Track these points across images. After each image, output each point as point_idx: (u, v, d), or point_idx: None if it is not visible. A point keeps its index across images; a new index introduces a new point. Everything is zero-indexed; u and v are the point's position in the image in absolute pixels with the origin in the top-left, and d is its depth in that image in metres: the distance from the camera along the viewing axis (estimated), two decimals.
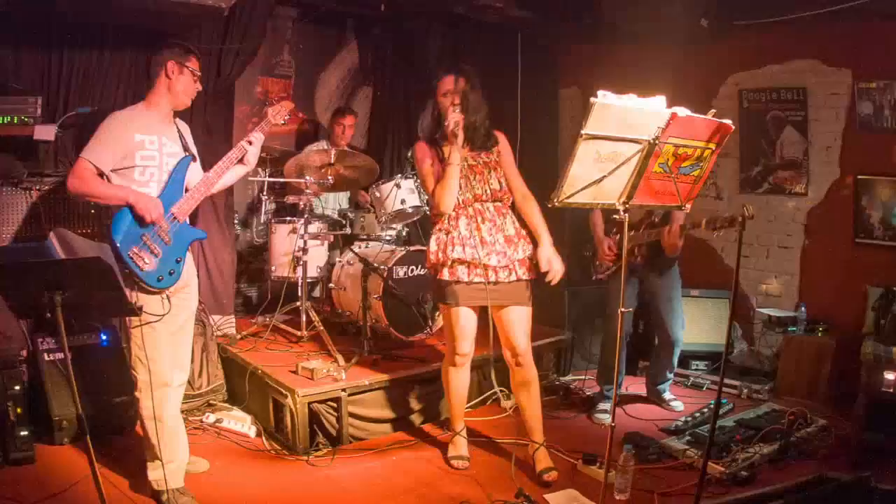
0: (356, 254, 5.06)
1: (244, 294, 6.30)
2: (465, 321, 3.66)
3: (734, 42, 5.75)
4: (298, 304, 5.07)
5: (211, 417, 4.47)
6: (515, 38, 6.77)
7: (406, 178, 5.37)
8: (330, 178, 5.04)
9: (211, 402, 4.74)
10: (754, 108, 5.85)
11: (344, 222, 5.67)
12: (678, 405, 4.98)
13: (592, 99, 2.44)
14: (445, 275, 3.60)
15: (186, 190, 3.49)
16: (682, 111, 2.59)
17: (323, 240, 5.31)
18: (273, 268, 5.34)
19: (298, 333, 5.07)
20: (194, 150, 3.62)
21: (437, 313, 5.07)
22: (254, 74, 6.24)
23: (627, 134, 2.60)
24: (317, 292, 5.88)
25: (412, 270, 5.09)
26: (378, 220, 5.41)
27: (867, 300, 5.14)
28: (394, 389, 4.46)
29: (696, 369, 5.65)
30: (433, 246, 3.68)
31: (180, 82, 3.41)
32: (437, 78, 3.71)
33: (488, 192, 3.65)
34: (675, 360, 4.96)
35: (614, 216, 4.62)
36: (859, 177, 5.35)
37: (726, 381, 5.33)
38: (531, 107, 7.05)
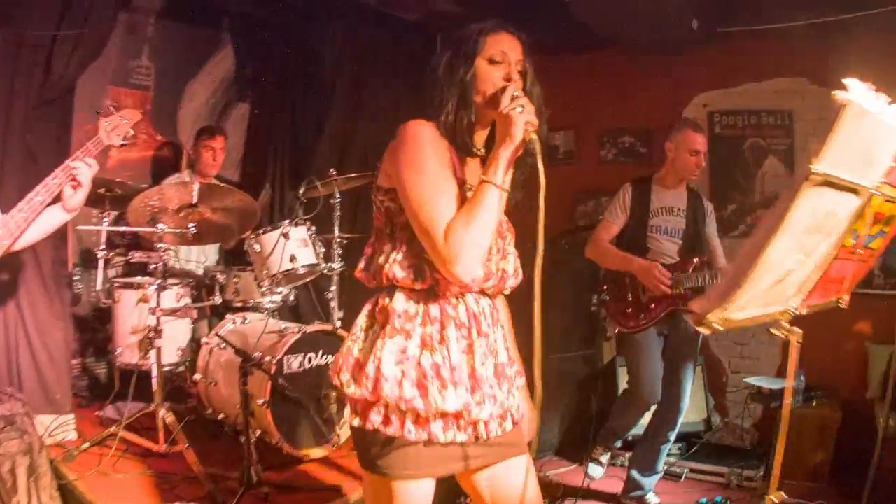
0: (231, 345, 3.73)
1: (90, 372, 4.83)
2: (424, 501, 1.98)
3: (706, 55, 5.00)
4: (153, 405, 3.67)
5: None
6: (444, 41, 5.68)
7: (297, 224, 4.13)
8: (192, 225, 3.76)
9: None
10: (729, 133, 5.11)
11: (212, 283, 4.36)
12: None
13: (840, 95, 1.39)
14: (401, 426, 1.85)
15: None
16: None
17: (183, 316, 3.96)
18: (118, 350, 4.00)
19: (155, 448, 3.67)
20: None
21: (343, 420, 3.88)
22: (102, 83, 4.94)
23: (859, 173, 1.57)
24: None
25: (309, 360, 3.84)
26: (259, 281, 4.14)
27: (868, 360, 4.64)
28: None
29: (668, 454, 4.63)
30: (389, 367, 1.84)
31: None
32: (477, 33, 1.97)
33: (499, 274, 1.99)
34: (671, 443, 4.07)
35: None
36: None
37: (709, 468, 4.52)
38: None
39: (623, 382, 4.73)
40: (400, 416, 1.83)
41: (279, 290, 4.27)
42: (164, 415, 3.60)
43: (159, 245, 3.78)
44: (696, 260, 3.79)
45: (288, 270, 4.02)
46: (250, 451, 3.35)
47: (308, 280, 4.44)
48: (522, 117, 1.80)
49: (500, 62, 1.93)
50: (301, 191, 4.43)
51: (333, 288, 4.32)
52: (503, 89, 1.88)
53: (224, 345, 3.90)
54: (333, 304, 4.29)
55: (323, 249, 4.23)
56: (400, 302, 1.90)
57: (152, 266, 3.76)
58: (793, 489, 3.98)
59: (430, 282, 1.89)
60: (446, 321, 1.89)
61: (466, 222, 1.79)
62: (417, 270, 1.89)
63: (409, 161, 1.86)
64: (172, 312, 3.80)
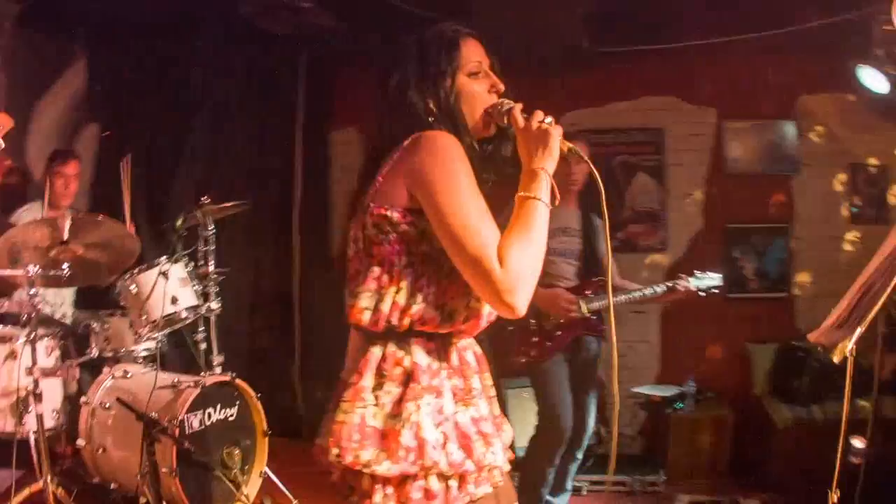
0: (131, 408, 3.22)
1: None
2: None
3: (576, 75, 5.02)
4: (41, 481, 3.11)
5: None
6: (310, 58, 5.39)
7: (175, 260, 3.72)
8: (65, 265, 3.33)
9: None
10: (598, 152, 5.06)
11: (85, 332, 3.86)
12: None
13: None
14: (445, 495, 1.63)
15: None
16: None
17: (63, 375, 3.44)
18: None
19: None
20: None
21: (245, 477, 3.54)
22: None
23: None
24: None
25: (209, 415, 3.46)
26: (136, 327, 3.68)
27: (749, 359, 4.92)
28: None
29: None
30: (431, 433, 1.58)
31: None
32: (448, 43, 1.74)
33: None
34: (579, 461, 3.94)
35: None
36: (729, 226, 5.03)
37: (612, 478, 4.56)
38: (314, 154, 5.77)
39: (510, 404, 4.65)
40: (444, 483, 1.61)
41: (154, 336, 3.79)
42: (54, 489, 3.05)
43: (22, 293, 3.24)
44: (594, 281, 3.75)
45: (170, 314, 3.62)
46: None
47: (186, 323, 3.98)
48: (557, 130, 1.65)
49: (478, 73, 1.76)
50: (178, 222, 3.99)
51: (206, 329, 3.93)
52: (500, 105, 1.72)
53: (108, 404, 3.40)
54: (207, 346, 3.92)
55: (199, 288, 3.85)
56: (421, 355, 1.63)
57: (24, 317, 3.19)
58: (695, 486, 4.30)
59: (459, 325, 1.65)
60: (466, 370, 1.70)
61: (523, 246, 1.56)
62: (447, 312, 1.64)
63: (447, 181, 1.59)
64: (52, 373, 3.24)
